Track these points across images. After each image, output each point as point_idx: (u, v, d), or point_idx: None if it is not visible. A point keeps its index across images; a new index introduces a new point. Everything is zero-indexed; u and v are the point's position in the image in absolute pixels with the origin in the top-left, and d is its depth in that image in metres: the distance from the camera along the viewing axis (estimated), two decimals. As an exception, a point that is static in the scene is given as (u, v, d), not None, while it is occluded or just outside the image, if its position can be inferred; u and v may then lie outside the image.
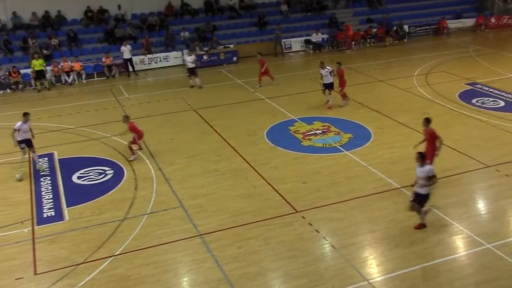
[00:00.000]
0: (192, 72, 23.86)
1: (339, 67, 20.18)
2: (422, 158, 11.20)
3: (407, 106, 19.82)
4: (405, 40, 32.39)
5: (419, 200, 11.34)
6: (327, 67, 19.92)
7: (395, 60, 27.82)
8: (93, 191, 14.16)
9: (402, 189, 13.41)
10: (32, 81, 25.19)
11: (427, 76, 24.03)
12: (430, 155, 12.94)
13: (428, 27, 34.05)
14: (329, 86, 19.89)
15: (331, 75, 19.78)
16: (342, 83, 20.16)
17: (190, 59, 23.70)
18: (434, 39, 32.77)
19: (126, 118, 16.21)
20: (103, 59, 26.47)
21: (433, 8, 35.54)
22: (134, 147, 16.17)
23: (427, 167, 11.16)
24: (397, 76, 24.07)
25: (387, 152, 15.74)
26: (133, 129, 15.99)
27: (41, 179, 14.99)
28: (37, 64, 24.78)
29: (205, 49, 28.43)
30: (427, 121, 13.41)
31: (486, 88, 21.59)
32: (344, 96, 20.29)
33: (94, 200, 13.64)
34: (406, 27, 32.92)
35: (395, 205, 12.68)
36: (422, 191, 11.22)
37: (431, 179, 11.11)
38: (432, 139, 13.33)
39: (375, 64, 26.90)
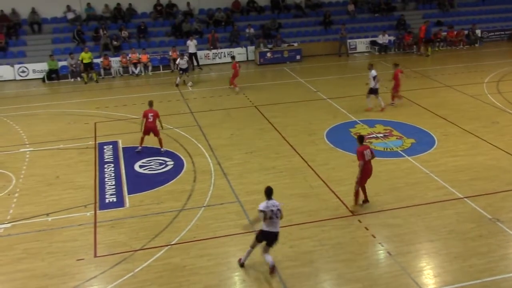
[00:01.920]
0: (185, 71, 24.23)
1: (396, 68, 19.83)
2: None
3: (474, 114, 19.08)
4: (476, 45, 31.16)
5: None
6: (372, 71, 19.38)
7: (465, 65, 26.83)
8: (153, 180, 14.52)
9: (465, 199, 12.93)
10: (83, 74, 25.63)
11: (498, 83, 23.02)
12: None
13: (502, 32, 32.60)
14: (370, 92, 19.45)
15: (374, 80, 19.23)
16: (395, 85, 19.87)
17: (182, 62, 24.00)
18: (508, 45, 31.36)
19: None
20: (170, 53, 27.08)
21: (509, 12, 33.96)
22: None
23: None
24: (466, 82, 23.21)
25: (451, 160, 15.21)
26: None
27: (105, 166, 15.52)
28: (86, 57, 25.48)
29: (269, 46, 28.51)
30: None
31: None
32: (393, 97, 19.94)
33: (154, 189, 13.99)
34: (478, 32, 31.65)
35: (457, 215, 12.24)
36: None
37: None
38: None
39: (443, 68, 26.07)
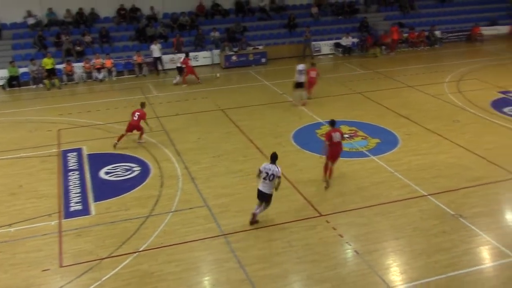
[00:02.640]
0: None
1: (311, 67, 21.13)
2: None
3: (436, 113, 19.54)
4: (437, 46, 31.92)
5: None
6: (299, 65, 20.82)
7: (426, 66, 27.43)
8: (119, 187, 14.34)
9: (429, 196, 13.22)
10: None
11: (458, 83, 23.64)
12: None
13: (461, 33, 33.49)
14: (297, 86, 20.69)
15: (299, 74, 20.49)
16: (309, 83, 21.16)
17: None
18: (467, 46, 32.24)
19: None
20: (134, 57, 26.82)
21: (466, 14, 34.95)
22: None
23: None
24: (427, 82, 23.74)
25: (414, 159, 15.54)
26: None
27: (69, 174, 15.25)
28: (48, 63, 25.00)
29: (235, 49, 28.54)
30: None
31: (519, 97, 21.16)
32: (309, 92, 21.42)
33: (121, 196, 13.82)
34: (438, 33, 32.44)
35: (420, 212, 12.51)
36: None
37: None
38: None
39: (405, 69, 26.60)
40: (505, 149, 16.07)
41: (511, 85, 22.76)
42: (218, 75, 26.49)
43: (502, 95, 21.50)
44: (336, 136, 13.64)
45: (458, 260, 10.63)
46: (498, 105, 20.28)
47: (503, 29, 34.38)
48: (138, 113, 17.06)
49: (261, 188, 11.74)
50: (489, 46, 31.62)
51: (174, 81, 25.21)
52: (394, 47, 30.80)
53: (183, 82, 24.87)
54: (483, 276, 10.24)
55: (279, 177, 11.58)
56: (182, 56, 25.70)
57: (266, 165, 11.67)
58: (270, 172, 11.51)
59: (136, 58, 26.68)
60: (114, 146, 16.83)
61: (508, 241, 11.23)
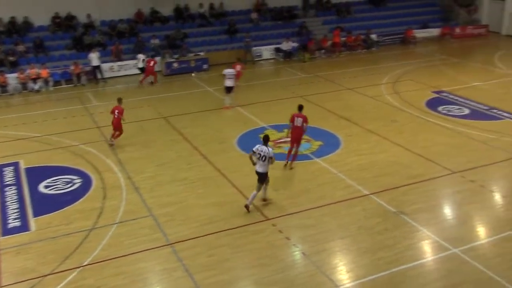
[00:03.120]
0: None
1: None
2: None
3: (375, 114, 20.13)
4: (373, 49, 32.90)
5: None
6: (227, 69, 21.46)
7: (364, 68, 28.20)
8: (60, 200, 13.89)
9: (371, 195, 13.60)
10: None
11: (394, 84, 24.47)
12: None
13: (395, 36, 34.69)
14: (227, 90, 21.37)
15: (228, 79, 21.08)
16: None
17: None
18: (401, 48, 33.42)
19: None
20: (72, 67, 26.06)
21: (400, 17, 36.24)
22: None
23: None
24: (365, 84, 24.43)
25: (356, 159, 15.94)
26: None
27: (6, 189, 14.63)
28: None
29: (175, 56, 28.30)
30: None
31: (452, 96, 22.12)
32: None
33: (62, 209, 13.39)
34: (374, 36, 33.46)
35: (364, 211, 12.85)
36: None
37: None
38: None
39: (344, 72, 27.23)
40: (440, 147, 16.76)
41: (444, 85, 23.80)
42: (193, 74, 27.31)
43: (435, 95, 22.43)
44: (298, 120, 15.14)
45: (401, 256, 10.98)
46: (433, 104, 21.14)
47: (434, 32, 35.87)
48: (117, 110, 17.41)
49: (258, 169, 12.73)
50: (421, 48, 32.93)
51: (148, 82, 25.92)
52: (338, 50, 31.58)
53: (140, 82, 25.84)
54: (425, 270, 10.62)
55: (271, 157, 12.58)
56: (142, 56, 26.31)
57: (259, 147, 12.64)
58: (263, 154, 12.53)
59: (74, 68, 25.95)
60: (111, 145, 17.38)
61: (447, 235, 11.72)
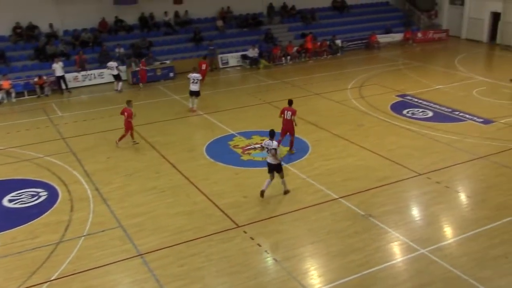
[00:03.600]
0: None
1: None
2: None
3: (342, 118, 20.38)
4: (338, 54, 33.35)
5: None
6: (192, 74, 21.92)
7: (330, 74, 28.54)
8: (26, 214, 13.56)
9: (340, 199, 13.74)
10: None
11: (360, 88, 24.84)
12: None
13: (359, 41, 35.26)
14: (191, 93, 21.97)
15: (192, 83, 21.68)
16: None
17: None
18: (365, 53, 33.97)
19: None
20: (35, 79, 25.48)
21: (363, 23, 36.87)
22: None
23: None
24: (332, 89, 24.71)
25: (325, 164, 16.09)
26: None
27: (-31, 204, 14.21)
28: None
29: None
30: None
31: (416, 100, 22.59)
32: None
33: (27, 223, 13.06)
34: (339, 42, 33.92)
35: (333, 215, 12.96)
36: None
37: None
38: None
39: (310, 78, 27.51)
40: (405, 149, 17.08)
41: (408, 89, 24.30)
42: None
43: (400, 99, 22.87)
44: (288, 114, 16.59)
45: (371, 258, 11.11)
46: (397, 108, 21.55)
47: (397, 37, 36.66)
48: (126, 112, 17.74)
49: (268, 161, 13.83)
50: (385, 53, 33.56)
51: (118, 88, 25.96)
52: (310, 55, 32.07)
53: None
54: (394, 271, 10.78)
55: (274, 148, 13.50)
56: (114, 64, 26.04)
57: (266, 142, 13.74)
58: (269, 147, 13.53)
59: (37, 81, 25.38)
60: (136, 143, 18.10)
61: (415, 236, 11.93)
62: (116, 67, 26.08)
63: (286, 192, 14.19)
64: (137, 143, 18.20)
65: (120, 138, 18.06)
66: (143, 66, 27.18)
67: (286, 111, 16.71)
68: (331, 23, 36.14)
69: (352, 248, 11.50)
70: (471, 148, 17.07)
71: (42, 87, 25.61)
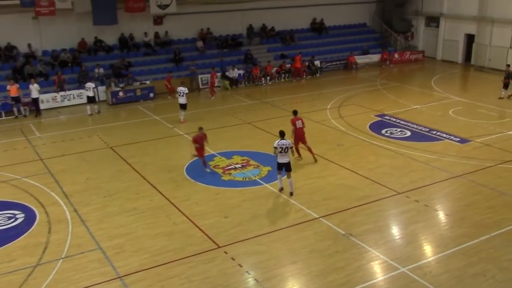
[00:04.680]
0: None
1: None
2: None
3: (322, 138, 20.54)
4: (317, 75, 33.74)
5: None
6: (180, 87, 23.37)
7: (309, 94, 28.84)
8: (2, 237, 13.29)
9: (321, 218, 13.78)
10: None
11: (339, 108, 25.12)
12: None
13: (338, 62, 35.77)
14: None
15: (180, 96, 23.09)
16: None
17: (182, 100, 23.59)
18: (344, 74, 34.46)
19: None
20: (7, 87, 25.01)
21: (341, 44, 37.49)
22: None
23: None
24: (311, 109, 24.93)
25: (306, 183, 16.15)
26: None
27: None
28: None
29: (121, 85, 28.00)
30: None
31: (394, 119, 22.93)
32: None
33: (4, 246, 12.80)
34: (318, 63, 34.35)
35: (315, 235, 12.99)
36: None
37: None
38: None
39: (290, 98, 27.74)
40: (384, 168, 17.27)
41: (386, 109, 24.66)
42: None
43: (378, 118, 23.19)
44: (299, 122, 17.83)
45: (352, 277, 11.14)
46: (376, 127, 21.83)
47: (374, 57, 37.31)
48: (299, 120, 18.13)
49: (281, 161, 15.03)
50: (363, 73, 34.08)
51: (89, 112, 25.48)
52: (301, 74, 32.77)
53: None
54: (376, 290, 10.82)
55: (291, 147, 15.23)
56: (91, 85, 25.55)
57: (279, 142, 14.96)
58: (284, 146, 14.91)
59: (9, 88, 24.74)
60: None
61: (395, 254, 12.01)
62: (93, 88, 25.72)
63: (292, 193, 15.25)
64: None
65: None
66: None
67: (296, 121, 17.78)
68: (309, 44, 36.65)
69: (333, 268, 11.51)
70: (448, 166, 17.33)
71: (17, 101, 25.13)
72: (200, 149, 17.30)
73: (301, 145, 18.04)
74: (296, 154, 17.37)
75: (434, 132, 21.02)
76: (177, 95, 23.67)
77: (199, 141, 17.26)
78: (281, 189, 15.48)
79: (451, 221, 13.73)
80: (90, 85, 25.66)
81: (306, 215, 14.07)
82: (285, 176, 15.34)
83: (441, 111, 24.27)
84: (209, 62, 32.37)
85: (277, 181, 15.70)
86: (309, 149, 17.96)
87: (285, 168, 15.15)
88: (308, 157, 18.12)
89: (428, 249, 12.56)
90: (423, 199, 14.92)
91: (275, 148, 15.00)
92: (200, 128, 17.61)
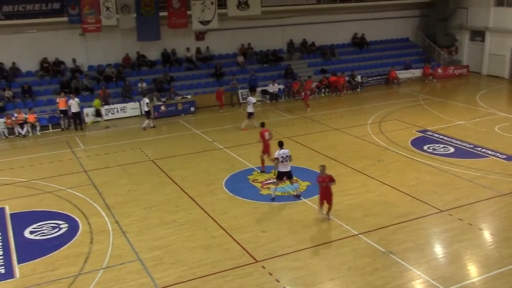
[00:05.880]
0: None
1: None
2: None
3: (362, 153, 20.30)
4: (358, 90, 33.46)
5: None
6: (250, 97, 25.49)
7: (349, 109, 28.59)
8: (46, 246, 13.67)
9: (360, 235, 13.56)
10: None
11: (380, 124, 24.79)
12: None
13: (379, 77, 35.38)
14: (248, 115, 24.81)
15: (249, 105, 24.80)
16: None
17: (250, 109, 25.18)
18: (385, 89, 34.03)
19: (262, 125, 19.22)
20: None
21: (383, 59, 37.08)
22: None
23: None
24: (351, 124, 24.72)
25: (344, 199, 15.96)
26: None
27: (-9, 235, 14.39)
28: None
29: (163, 99, 28.51)
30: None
31: (436, 135, 22.44)
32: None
33: (48, 255, 13.16)
34: (358, 78, 34.08)
35: (353, 252, 12.79)
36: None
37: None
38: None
39: (330, 113, 27.60)
40: (426, 185, 16.89)
41: (428, 124, 24.18)
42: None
43: (420, 134, 22.75)
44: (267, 134, 18.60)
45: (392, 296, 10.89)
46: (418, 143, 21.41)
47: (416, 72, 36.68)
48: (267, 132, 18.79)
49: (283, 169, 15.73)
50: (405, 89, 33.55)
51: (144, 125, 25.67)
52: (340, 89, 32.57)
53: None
54: (416, 310, 10.53)
55: (290, 155, 15.79)
56: (147, 100, 25.96)
57: (279, 152, 15.66)
58: (285, 155, 15.66)
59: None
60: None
61: (437, 274, 11.68)
62: (147, 103, 25.89)
63: (297, 196, 16.04)
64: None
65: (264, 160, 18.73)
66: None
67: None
68: (350, 59, 36.40)
69: (372, 286, 11.29)
70: (494, 184, 16.80)
71: (65, 120, 25.97)
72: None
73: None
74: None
75: (479, 149, 20.44)
76: (247, 104, 25.06)
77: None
78: (273, 199, 15.96)
79: (497, 241, 13.27)
80: (145, 100, 26.10)
81: (345, 231, 13.88)
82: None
83: (486, 127, 23.60)
84: (250, 76, 32.56)
85: (317, 195, 15.50)
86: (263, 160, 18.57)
87: (287, 176, 15.89)
88: (343, 173, 17.93)
89: (472, 269, 12.16)
90: (467, 217, 14.49)
91: (277, 158, 15.65)
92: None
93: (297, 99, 31.17)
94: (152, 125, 25.82)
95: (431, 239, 13.64)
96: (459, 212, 14.80)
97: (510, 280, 11.36)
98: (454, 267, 12.06)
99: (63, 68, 29.46)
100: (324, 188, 14.40)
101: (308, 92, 29.19)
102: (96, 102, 26.77)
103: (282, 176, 15.87)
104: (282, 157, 15.57)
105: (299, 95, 31.34)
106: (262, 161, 18.52)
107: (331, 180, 14.36)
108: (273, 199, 15.94)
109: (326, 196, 14.44)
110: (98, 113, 26.82)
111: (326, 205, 14.64)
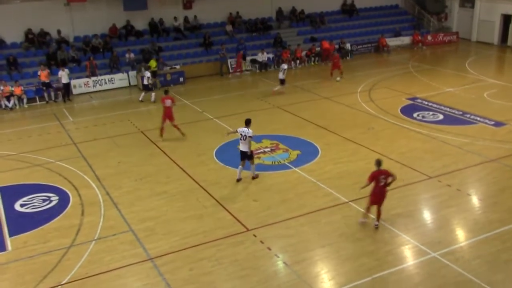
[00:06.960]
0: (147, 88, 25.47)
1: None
2: None
3: (352, 122, 20.33)
4: (348, 58, 33.29)
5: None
6: (282, 65, 25.86)
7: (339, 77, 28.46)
8: (37, 218, 13.67)
9: (350, 203, 13.69)
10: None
11: (370, 92, 24.77)
12: None
13: (369, 44, 35.19)
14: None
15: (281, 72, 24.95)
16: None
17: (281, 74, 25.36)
18: (375, 57, 33.90)
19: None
20: (38, 72, 25.53)
21: (373, 26, 36.81)
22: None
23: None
24: (341, 93, 24.68)
25: (335, 167, 16.05)
26: None
27: (-19, 209, 14.34)
28: None
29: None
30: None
31: (426, 103, 22.49)
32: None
33: (39, 228, 13.17)
34: (348, 45, 33.87)
35: (344, 219, 12.92)
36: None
37: None
38: None
39: (319, 81, 27.48)
40: (416, 152, 17.00)
41: (418, 92, 24.20)
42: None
43: (410, 102, 22.78)
44: (168, 101, 18.87)
45: (382, 262, 11.06)
46: (407, 111, 21.46)
47: (406, 40, 36.53)
48: (169, 100, 18.82)
49: (241, 148, 15.04)
50: (395, 56, 33.45)
51: (152, 99, 24.93)
52: (324, 59, 32.14)
53: (331, 76, 27.84)
54: (406, 275, 10.72)
55: (250, 136, 14.79)
56: (148, 74, 25.42)
57: (241, 128, 14.92)
58: (243, 134, 14.78)
59: (40, 73, 25.30)
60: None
61: (425, 239, 11.86)
62: (148, 77, 25.28)
63: (254, 177, 15.36)
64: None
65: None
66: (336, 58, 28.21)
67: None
68: (340, 27, 36.12)
69: (362, 252, 11.45)
70: (482, 150, 16.95)
71: (48, 86, 25.61)
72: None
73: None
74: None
75: (468, 116, 20.54)
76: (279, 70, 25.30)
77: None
78: (238, 180, 15.28)
79: (484, 206, 13.46)
80: (146, 73, 25.66)
81: (335, 199, 14.00)
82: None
83: (475, 94, 23.68)
84: (238, 46, 32.26)
85: (309, 164, 15.46)
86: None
87: (245, 156, 15.06)
88: (334, 141, 17.97)
89: (460, 234, 12.36)
90: (455, 183, 14.65)
91: (237, 131, 15.13)
92: (166, 91, 19.47)
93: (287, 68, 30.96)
94: (153, 99, 24.88)
95: (420, 205, 13.81)
96: (448, 178, 14.95)
97: (497, 244, 11.58)
98: (442, 232, 12.25)
99: (49, 39, 28.94)
100: (379, 188, 12.06)
101: (336, 61, 27.91)
102: (152, 62, 27.33)
103: (241, 156, 15.18)
104: (240, 134, 14.92)
105: (288, 65, 31.06)
106: (161, 129, 19.22)
107: (389, 175, 11.99)
108: (238, 180, 15.29)
109: (379, 198, 12.11)
110: (154, 75, 26.75)
111: (375, 208, 12.36)
